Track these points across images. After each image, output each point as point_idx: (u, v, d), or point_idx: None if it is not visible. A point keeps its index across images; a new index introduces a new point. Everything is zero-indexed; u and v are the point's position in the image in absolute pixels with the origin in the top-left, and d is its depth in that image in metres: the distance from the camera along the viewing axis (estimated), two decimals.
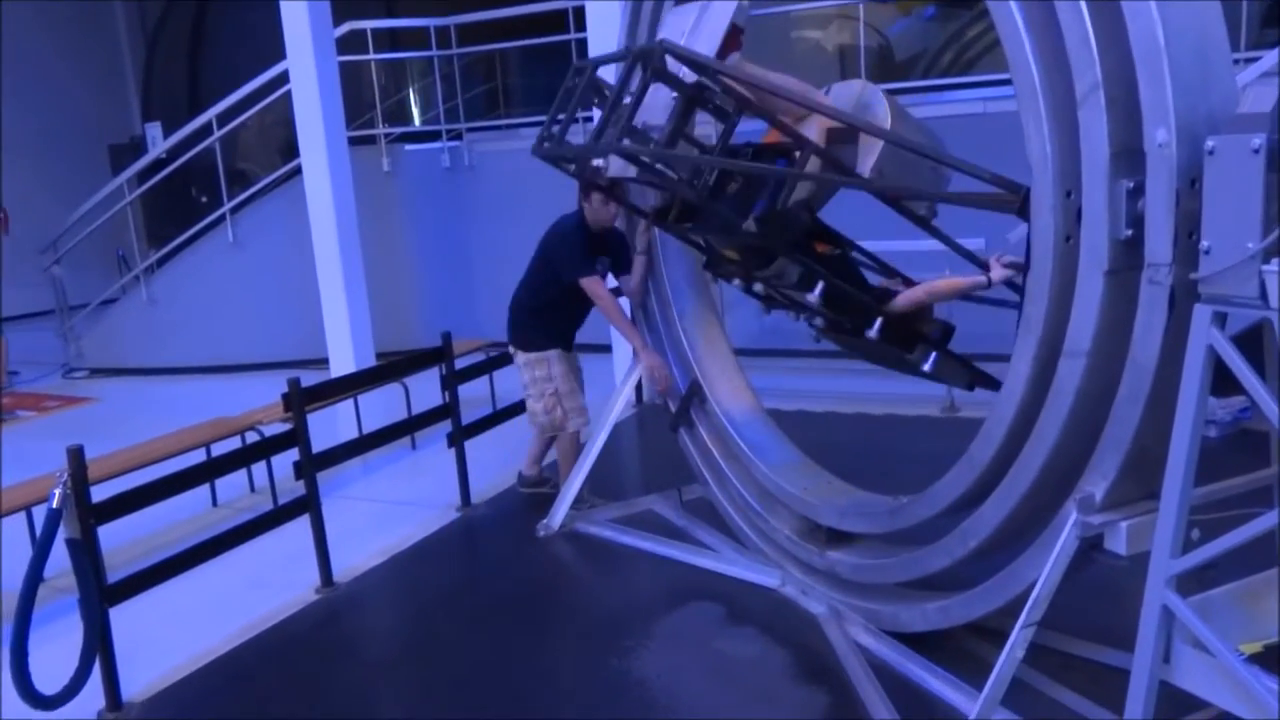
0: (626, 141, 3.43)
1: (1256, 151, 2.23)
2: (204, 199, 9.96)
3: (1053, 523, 2.89)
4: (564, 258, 4.78)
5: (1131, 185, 2.53)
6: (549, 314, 4.96)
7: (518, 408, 5.90)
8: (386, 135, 9.35)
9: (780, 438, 4.40)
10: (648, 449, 6.15)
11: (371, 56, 9.41)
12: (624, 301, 5.01)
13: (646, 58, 3.30)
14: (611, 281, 5.00)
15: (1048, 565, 2.81)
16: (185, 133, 9.53)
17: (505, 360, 6.03)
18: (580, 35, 7.48)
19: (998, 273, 3.29)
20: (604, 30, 6.25)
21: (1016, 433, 2.93)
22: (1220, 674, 2.43)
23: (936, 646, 3.44)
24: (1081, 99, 2.57)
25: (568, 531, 4.88)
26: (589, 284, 4.75)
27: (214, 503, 5.70)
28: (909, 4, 8.70)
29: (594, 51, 6.62)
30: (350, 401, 6.50)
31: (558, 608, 4.20)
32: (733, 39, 3.61)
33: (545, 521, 4.91)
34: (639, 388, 6.31)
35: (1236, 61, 6.10)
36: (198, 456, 5.19)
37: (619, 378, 5.29)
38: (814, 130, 3.52)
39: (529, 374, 5.02)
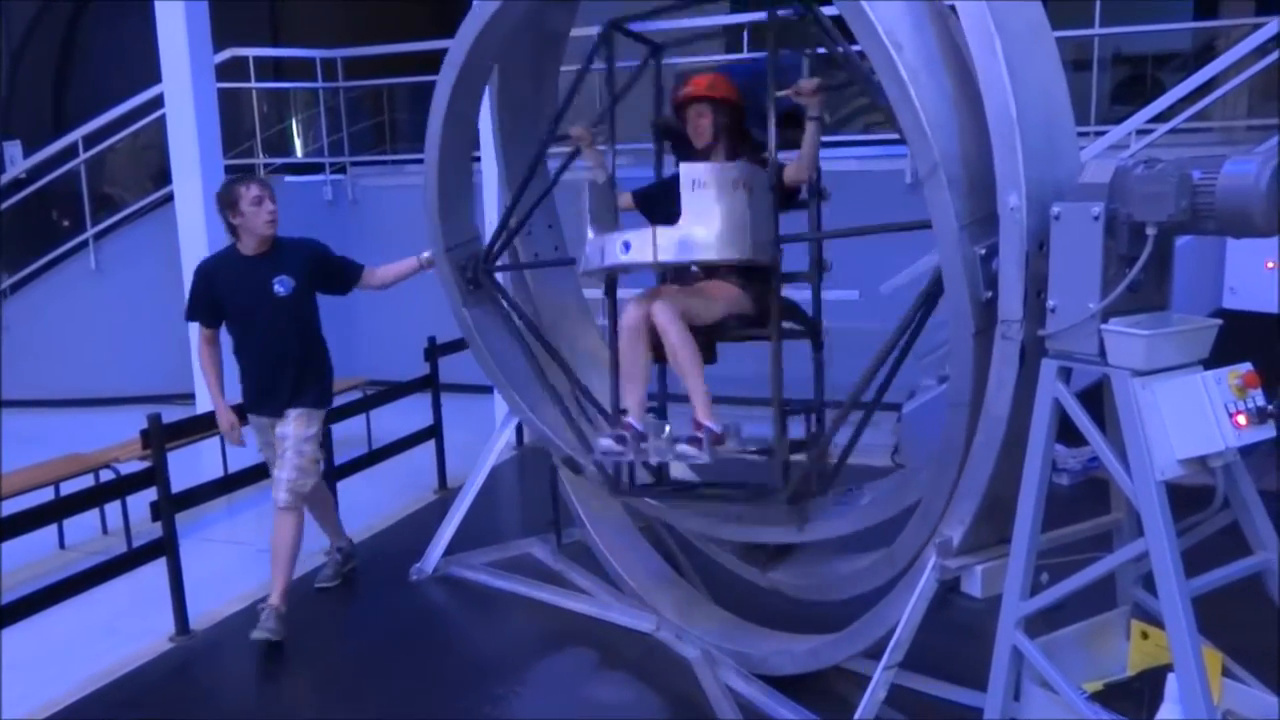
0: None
1: (1096, 218, 2.41)
2: (65, 223, 9.47)
3: (914, 566, 3.00)
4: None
5: (984, 250, 2.68)
6: (268, 362, 4.20)
7: (395, 447, 5.81)
8: (266, 165, 9.12)
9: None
10: (527, 492, 6.10)
11: (253, 84, 9.19)
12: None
13: None
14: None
15: (908, 607, 2.92)
16: (48, 153, 9.09)
17: (382, 399, 5.93)
18: None
19: None
20: None
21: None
22: (1066, 712, 2.55)
23: (804, 688, 3.50)
24: (925, 177, 2.73)
25: (442, 575, 4.77)
26: (200, 335, 4.26)
27: (61, 545, 5.36)
28: None
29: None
30: (216, 439, 6.23)
31: (429, 654, 4.10)
32: None
33: (419, 565, 4.80)
34: (519, 429, 6.27)
35: (1086, 135, 6.56)
36: (45, 495, 4.88)
37: (499, 419, 5.24)
38: None
39: (303, 430, 4.21)
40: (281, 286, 4.13)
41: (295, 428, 4.18)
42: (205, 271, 4.24)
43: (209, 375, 4.27)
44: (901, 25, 2.75)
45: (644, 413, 3.71)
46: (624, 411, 3.66)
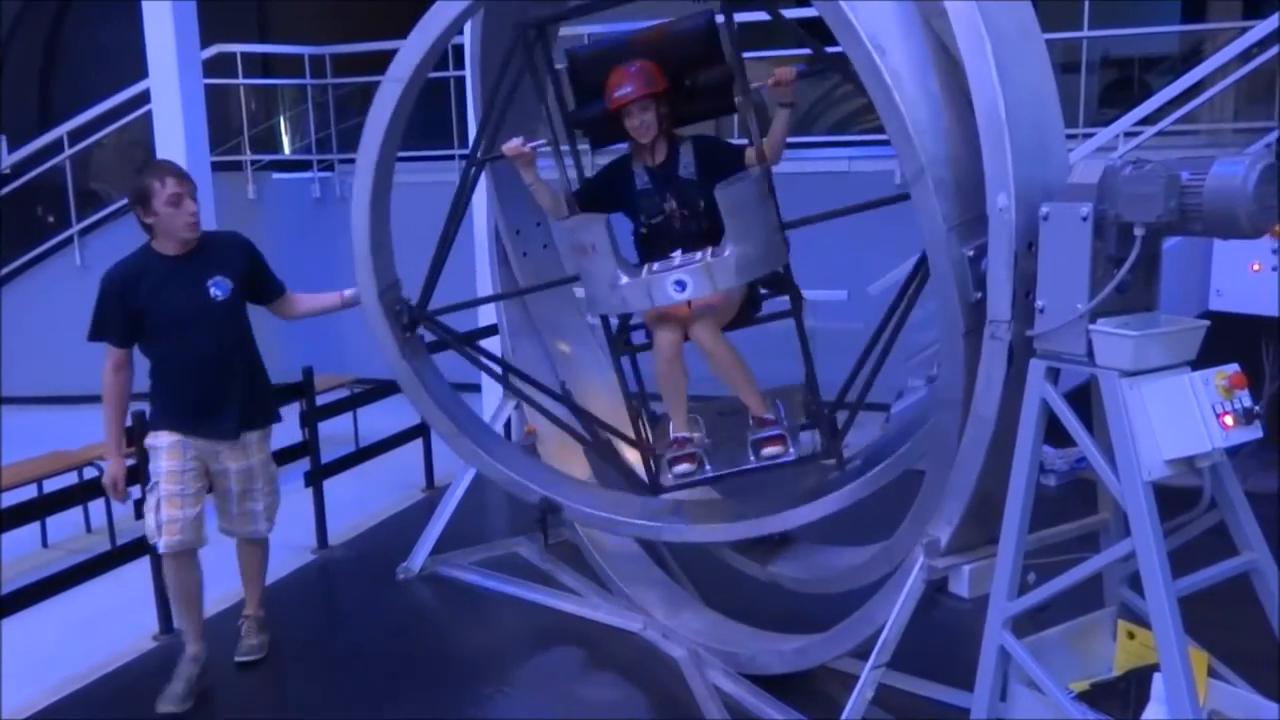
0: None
1: (1085, 219, 2.41)
2: (50, 218, 9.41)
3: (902, 566, 3.00)
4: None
5: (972, 252, 2.68)
6: (210, 380, 3.71)
7: (382, 445, 5.77)
8: (253, 162, 9.07)
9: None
10: None
11: (241, 81, 9.14)
12: None
13: None
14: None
15: (896, 607, 2.91)
16: (33, 148, 9.03)
17: (369, 396, 5.90)
18: (459, 73, 7.45)
19: None
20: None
21: None
22: (1052, 712, 2.55)
23: (792, 688, 3.50)
24: (911, 180, 2.73)
25: (429, 575, 4.75)
26: (108, 358, 3.67)
27: (44, 543, 5.32)
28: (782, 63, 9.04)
29: (471, 88, 6.60)
30: None
31: (415, 654, 4.08)
32: None
33: (405, 564, 4.77)
34: (507, 426, 6.24)
35: (1075, 137, 6.59)
36: (28, 493, 4.85)
37: (487, 416, 5.22)
38: None
39: (266, 454, 3.90)
40: (218, 289, 3.63)
41: (260, 454, 3.81)
42: (119, 280, 3.56)
43: (112, 412, 3.68)
44: (885, 27, 2.73)
45: (686, 421, 3.79)
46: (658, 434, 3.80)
